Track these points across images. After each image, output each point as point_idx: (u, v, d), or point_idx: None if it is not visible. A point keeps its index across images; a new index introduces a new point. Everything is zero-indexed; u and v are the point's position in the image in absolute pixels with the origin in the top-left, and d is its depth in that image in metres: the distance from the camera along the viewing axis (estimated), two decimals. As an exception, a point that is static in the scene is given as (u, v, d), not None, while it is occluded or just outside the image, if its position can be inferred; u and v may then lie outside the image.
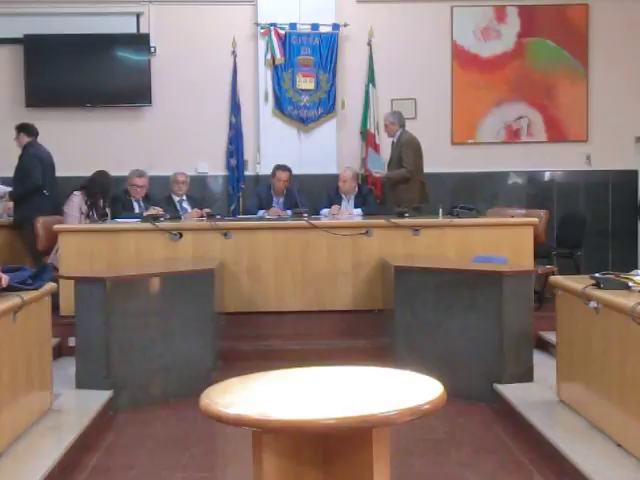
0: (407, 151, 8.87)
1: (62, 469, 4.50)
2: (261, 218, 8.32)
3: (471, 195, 9.99)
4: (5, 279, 4.85)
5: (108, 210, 8.46)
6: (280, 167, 9.04)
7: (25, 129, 8.69)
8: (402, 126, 9.09)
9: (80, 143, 9.90)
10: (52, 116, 9.95)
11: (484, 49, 10.27)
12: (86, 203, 8.25)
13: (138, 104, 10.08)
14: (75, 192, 8.27)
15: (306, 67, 10.04)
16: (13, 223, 8.67)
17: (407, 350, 6.32)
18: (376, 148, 10.06)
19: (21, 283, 5.02)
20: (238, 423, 2.62)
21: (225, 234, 7.62)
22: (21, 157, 8.60)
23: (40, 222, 8.12)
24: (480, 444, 5.13)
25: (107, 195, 8.44)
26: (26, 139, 8.61)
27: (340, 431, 2.61)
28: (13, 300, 4.74)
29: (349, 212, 8.53)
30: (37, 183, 8.43)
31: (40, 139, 9.22)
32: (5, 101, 9.96)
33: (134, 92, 10.03)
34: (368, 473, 2.70)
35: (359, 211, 8.52)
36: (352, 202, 8.78)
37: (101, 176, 8.45)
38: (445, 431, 5.35)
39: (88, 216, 8.22)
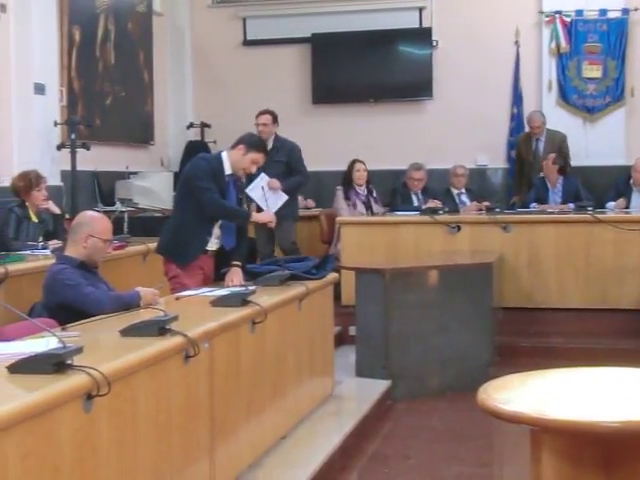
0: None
1: (342, 453, 4.66)
2: (542, 212, 8.10)
3: None
4: (240, 281, 5.02)
5: (371, 199, 8.55)
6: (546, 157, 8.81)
7: (277, 120, 7.89)
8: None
9: (363, 137, 10.15)
10: (337, 112, 10.31)
11: None
12: (345, 194, 8.46)
13: (419, 98, 10.19)
14: (337, 187, 8.55)
15: (593, 55, 9.65)
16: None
17: (701, 354, 5.90)
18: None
19: (306, 273, 5.25)
20: (516, 420, 2.57)
21: (504, 227, 7.52)
22: (281, 150, 7.74)
23: (323, 214, 8.44)
24: None
25: (350, 183, 8.49)
26: (275, 130, 7.82)
27: (625, 435, 2.49)
28: (299, 289, 4.98)
29: None
30: (308, 179, 7.98)
31: (325, 134, 9.59)
32: (293, 98, 10.44)
33: (416, 86, 10.15)
34: (656, 482, 2.55)
35: None
36: (646, 195, 8.31)
37: (348, 165, 8.61)
38: None
39: (354, 207, 8.41)
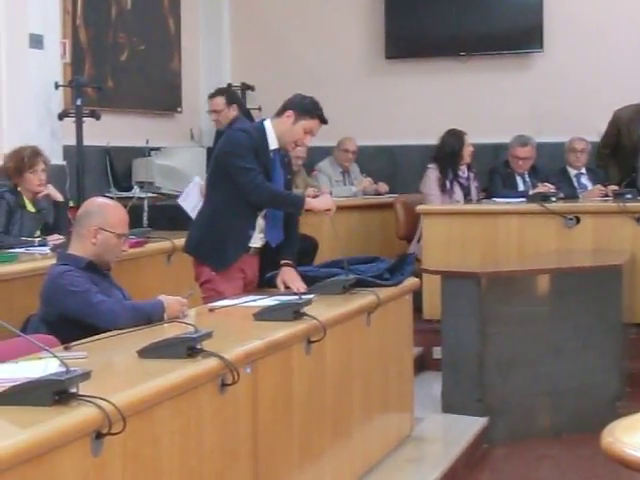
0: None
1: (424, 512, 4.65)
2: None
3: None
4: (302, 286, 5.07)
5: (472, 182, 8.46)
6: None
7: (237, 99, 7.88)
8: None
9: (451, 101, 10.10)
10: (417, 69, 10.28)
11: None
12: (443, 176, 8.27)
13: (525, 50, 10.13)
14: (429, 165, 8.38)
15: None
16: None
17: None
18: None
19: (377, 277, 5.23)
20: (653, 471, 2.54)
21: (638, 219, 7.45)
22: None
23: (399, 202, 8.42)
24: None
25: (456, 161, 8.31)
26: (234, 113, 7.74)
27: None
28: (367, 298, 4.96)
29: None
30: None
31: (401, 98, 9.53)
32: (361, 51, 10.43)
33: (521, 35, 10.09)
34: None
35: None
36: None
37: (450, 137, 8.41)
38: None
39: (450, 194, 8.26)
